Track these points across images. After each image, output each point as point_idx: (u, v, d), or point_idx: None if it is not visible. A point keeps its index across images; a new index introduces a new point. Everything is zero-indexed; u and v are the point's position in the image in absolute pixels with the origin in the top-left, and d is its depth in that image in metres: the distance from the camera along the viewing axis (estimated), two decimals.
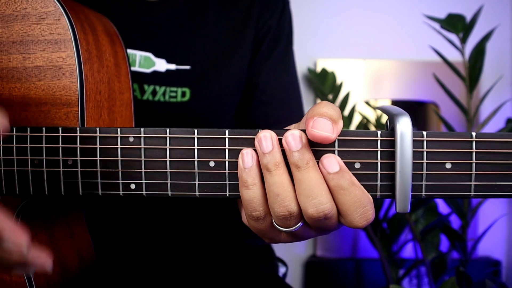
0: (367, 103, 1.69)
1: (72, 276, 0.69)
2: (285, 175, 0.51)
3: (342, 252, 1.74)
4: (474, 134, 0.51)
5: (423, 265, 1.46)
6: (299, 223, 0.53)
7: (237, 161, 0.53)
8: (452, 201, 1.41)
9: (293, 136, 0.50)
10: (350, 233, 1.74)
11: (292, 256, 1.73)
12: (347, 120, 1.58)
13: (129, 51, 0.85)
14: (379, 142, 0.51)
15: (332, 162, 0.50)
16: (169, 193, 0.56)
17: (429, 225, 1.36)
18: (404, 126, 0.49)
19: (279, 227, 0.53)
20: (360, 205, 0.50)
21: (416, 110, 1.74)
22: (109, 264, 0.86)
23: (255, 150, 0.52)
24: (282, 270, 1.08)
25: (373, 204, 0.51)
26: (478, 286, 1.23)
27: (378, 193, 0.52)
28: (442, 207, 1.50)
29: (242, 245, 0.98)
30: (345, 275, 1.70)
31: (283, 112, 0.99)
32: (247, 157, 0.51)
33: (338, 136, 0.52)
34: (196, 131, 0.54)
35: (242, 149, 0.53)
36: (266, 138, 0.51)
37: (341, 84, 1.63)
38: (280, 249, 1.19)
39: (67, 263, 0.67)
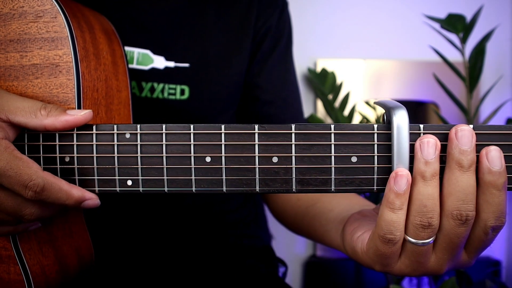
0: (367, 103, 1.69)
1: (71, 275, 0.69)
2: (437, 188, 0.50)
3: (342, 252, 1.73)
4: (471, 126, 0.50)
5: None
6: (431, 238, 0.52)
7: (236, 156, 0.53)
8: None
9: (466, 132, 0.49)
10: None
11: (292, 256, 1.72)
12: (347, 120, 1.58)
13: (127, 48, 0.85)
14: (375, 135, 0.51)
15: (497, 159, 0.49)
16: (166, 189, 0.56)
17: None
18: (401, 119, 0.49)
19: (410, 239, 0.52)
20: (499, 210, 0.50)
21: (416, 110, 1.73)
22: (109, 263, 0.86)
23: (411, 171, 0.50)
24: (281, 270, 1.08)
25: None
26: (478, 286, 1.23)
27: (375, 187, 0.52)
28: None
29: (242, 245, 0.98)
30: (345, 275, 1.69)
31: (287, 111, 0.99)
32: (401, 180, 0.50)
33: (335, 130, 0.52)
34: (192, 126, 0.54)
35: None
36: (430, 144, 0.49)
37: (341, 84, 1.62)
38: (280, 250, 1.19)
39: (66, 262, 0.67)
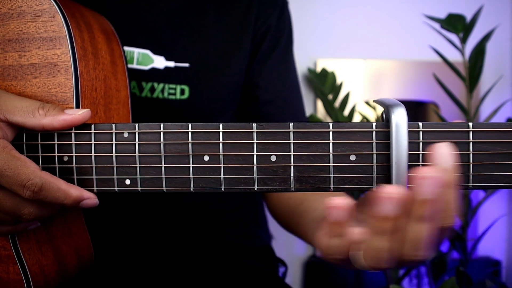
0: (367, 103, 1.69)
1: (71, 275, 0.69)
2: None
3: None
4: (470, 124, 0.50)
5: (423, 265, 1.45)
6: None
7: (234, 155, 0.53)
8: None
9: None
10: None
11: (292, 256, 1.72)
12: (347, 120, 1.58)
13: (127, 48, 0.85)
14: (374, 133, 0.51)
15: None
16: (164, 188, 0.55)
17: None
18: (399, 117, 0.49)
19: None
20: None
21: (416, 110, 1.73)
22: (108, 263, 0.86)
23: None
24: (281, 270, 1.08)
25: None
26: (478, 286, 1.23)
27: (375, 185, 0.52)
28: None
29: (242, 245, 0.98)
30: (345, 275, 1.69)
31: (287, 110, 0.99)
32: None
33: (333, 128, 0.52)
34: (190, 125, 0.54)
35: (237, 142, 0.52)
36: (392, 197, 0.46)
37: (341, 84, 1.62)
38: (280, 249, 1.19)
39: (65, 262, 0.67)
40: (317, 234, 0.53)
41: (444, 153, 0.46)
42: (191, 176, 0.55)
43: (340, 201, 0.48)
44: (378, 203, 0.46)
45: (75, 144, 0.57)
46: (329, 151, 0.53)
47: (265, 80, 0.97)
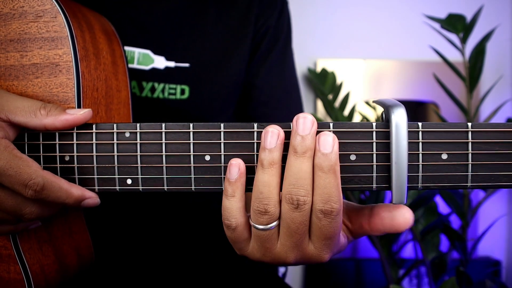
0: (367, 103, 1.69)
1: (71, 274, 0.69)
2: (276, 176, 0.51)
3: (342, 252, 1.73)
4: (470, 124, 0.50)
5: (423, 265, 1.46)
6: (271, 224, 0.53)
7: (236, 155, 0.53)
8: (452, 201, 1.41)
9: (305, 119, 0.50)
10: None
11: None
12: (347, 120, 1.58)
13: (128, 48, 0.85)
14: (374, 133, 0.51)
15: (327, 142, 0.50)
16: (165, 187, 0.56)
17: (429, 225, 1.35)
18: (399, 117, 0.49)
19: (253, 223, 0.53)
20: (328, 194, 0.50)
21: (416, 110, 1.73)
22: (109, 263, 0.86)
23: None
24: (281, 270, 1.08)
25: (341, 204, 0.51)
26: (478, 286, 1.23)
27: (374, 185, 0.52)
28: (442, 207, 1.49)
29: None
30: (345, 275, 1.69)
31: (282, 112, 0.99)
32: (233, 169, 0.52)
33: (333, 128, 0.52)
34: (191, 125, 0.54)
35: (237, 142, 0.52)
36: (272, 134, 0.50)
37: (341, 84, 1.63)
38: None
39: (66, 262, 0.67)
40: None
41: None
42: (192, 176, 0.55)
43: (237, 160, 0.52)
44: (262, 138, 0.51)
45: (77, 143, 0.57)
46: None
47: (262, 81, 0.97)
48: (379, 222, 0.54)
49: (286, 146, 0.52)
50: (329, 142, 0.49)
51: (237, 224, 0.54)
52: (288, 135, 0.51)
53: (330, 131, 0.52)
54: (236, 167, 0.52)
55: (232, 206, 0.53)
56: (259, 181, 0.51)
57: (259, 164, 0.51)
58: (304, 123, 0.50)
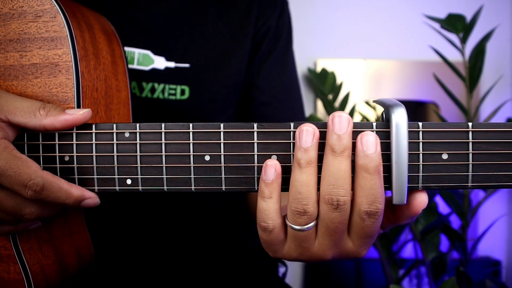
0: (367, 103, 1.69)
1: (71, 274, 0.69)
2: (314, 175, 0.51)
3: None
4: (470, 124, 0.50)
5: (423, 265, 1.46)
6: (310, 224, 0.52)
7: (235, 155, 0.53)
8: (452, 201, 1.41)
9: (341, 118, 0.49)
10: None
11: None
12: None
13: (128, 48, 0.85)
14: (374, 133, 0.51)
15: (370, 143, 0.49)
16: (165, 188, 0.56)
17: (429, 225, 1.35)
18: (399, 117, 0.49)
19: (290, 224, 0.53)
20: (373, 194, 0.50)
21: (416, 110, 1.73)
22: (109, 263, 0.86)
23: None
24: (281, 270, 1.08)
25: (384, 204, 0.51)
26: (478, 286, 1.23)
27: None
28: (442, 207, 1.49)
29: (242, 245, 0.98)
30: (345, 275, 1.69)
31: (283, 112, 0.99)
32: (269, 170, 0.51)
33: None
34: (191, 125, 0.54)
35: (238, 142, 0.52)
36: (307, 132, 0.50)
37: (341, 84, 1.63)
38: None
39: (66, 262, 0.67)
40: None
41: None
42: (192, 176, 0.55)
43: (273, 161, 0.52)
44: (296, 137, 0.50)
45: (76, 144, 0.57)
46: None
47: (263, 81, 0.97)
48: (401, 210, 0.53)
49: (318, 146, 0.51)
50: (372, 142, 0.49)
51: (274, 226, 0.53)
52: (321, 134, 0.51)
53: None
54: (273, 168, 0.51)
55: (270, 208, 0.52)
56: (297, 181, 0.50)
57: (295, 163, 0.50)
58: (340, 121, 0.49)
